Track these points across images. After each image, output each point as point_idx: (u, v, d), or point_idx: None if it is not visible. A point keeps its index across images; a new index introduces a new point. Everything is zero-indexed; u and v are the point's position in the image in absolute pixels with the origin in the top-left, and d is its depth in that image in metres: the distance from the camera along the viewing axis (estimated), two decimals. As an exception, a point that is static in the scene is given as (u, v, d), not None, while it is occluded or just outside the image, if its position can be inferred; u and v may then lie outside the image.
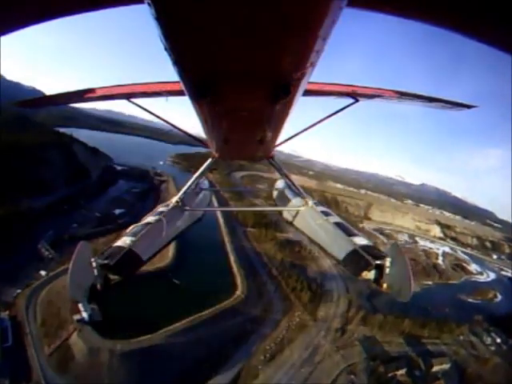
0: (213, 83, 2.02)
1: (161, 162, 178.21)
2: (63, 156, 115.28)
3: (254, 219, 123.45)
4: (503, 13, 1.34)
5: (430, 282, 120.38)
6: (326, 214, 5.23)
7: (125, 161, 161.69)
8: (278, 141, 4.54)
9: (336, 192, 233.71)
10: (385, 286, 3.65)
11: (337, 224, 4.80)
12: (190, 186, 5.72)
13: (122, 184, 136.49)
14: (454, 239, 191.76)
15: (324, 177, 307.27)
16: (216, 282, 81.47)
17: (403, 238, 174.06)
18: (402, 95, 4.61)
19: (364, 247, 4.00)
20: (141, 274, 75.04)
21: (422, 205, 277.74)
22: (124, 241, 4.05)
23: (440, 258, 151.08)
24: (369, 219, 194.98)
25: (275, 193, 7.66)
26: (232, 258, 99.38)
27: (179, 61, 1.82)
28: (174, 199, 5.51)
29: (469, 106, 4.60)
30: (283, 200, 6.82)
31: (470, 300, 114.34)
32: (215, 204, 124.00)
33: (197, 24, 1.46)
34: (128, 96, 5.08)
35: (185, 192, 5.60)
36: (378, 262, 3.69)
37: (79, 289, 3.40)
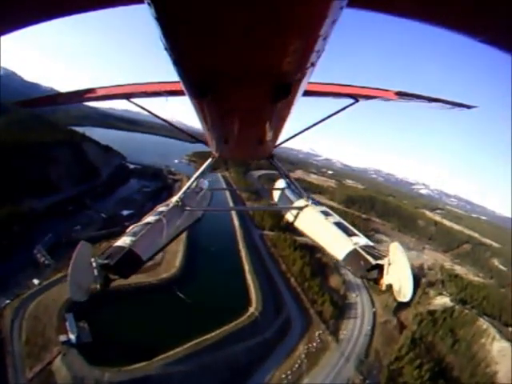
0: (213, 83, 2.03)
1: (176, 161, 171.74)
2: (72, 154, 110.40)
3: (271, 221, 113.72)
4: (503, 13, 1.34)
5: None
6: (325, 213, 5.21)
7: (139, 159, 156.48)
8: (278, 141, 4.69)
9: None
10: (385, 285, 3.62)
11: (337, 224, 4.80)
12: (189, 185, 5.79)
13: (133, 183, 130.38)
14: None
15: (343, 176, 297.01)
16: (227, 296, 71.13)
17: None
18: (402, 95, 4.41)
19: (364, 247, 4.02)
20: (141, 287, 66.89)
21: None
22: (124, 241, 4.00)
23: None
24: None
25: (275, 192, 7.60)
26: (246, 267, 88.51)
27: (179, 61, 1.84)
28: (174, 199, 5.50)
29: (469, 106, 4.41)
30: (283, 200, 6.86)
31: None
32: (230, 204, 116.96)
33: (197, 24, 1.46)
34: (128, 96, 5.05)
35: (185, 192, 5.62)
36: (378, 261, 3.68)
37: (79, 289, 3.34)
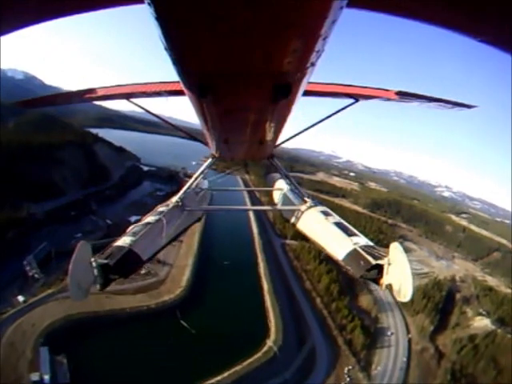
0: (213, 83, 2.04)
1: (193, 162, 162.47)
2: (82, 156, 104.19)
3: (294, 229, 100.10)
4: (503, 13, 1.35)
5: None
6: (325, 213, 5.20)
7: (154, 161, 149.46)
8: (279, 141, 4.76)
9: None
10: (385, 285, 3.63)
11: (337, 224, 4.80)
12: (189, 185, 5.79)
13: (146, 186, 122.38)
14: None
15: (365, 178, 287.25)
16: (241, 324, 58.71)
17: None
18: (402, 95, 4.41)
19: (364, 247, 4.03)
20: (138, 312, 56.08)
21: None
22: (124, 241, 3.96)
23: None
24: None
25: (275, 193, 7.64)
26: (265, 286, 75.47)
27: (179, 61, 1.84)
28: (174, 199, 5.48)
29: (469, 106, 4.43)
30: (283, 200, 6.82)
31: None
32: (248, 204, 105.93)
33: (197, 24, 1.46)
34: (128, 96, 5.01)
35: (185, 192, 5.62)
36: (378, 261, 3.67)
37: (79, 289, 3.30)
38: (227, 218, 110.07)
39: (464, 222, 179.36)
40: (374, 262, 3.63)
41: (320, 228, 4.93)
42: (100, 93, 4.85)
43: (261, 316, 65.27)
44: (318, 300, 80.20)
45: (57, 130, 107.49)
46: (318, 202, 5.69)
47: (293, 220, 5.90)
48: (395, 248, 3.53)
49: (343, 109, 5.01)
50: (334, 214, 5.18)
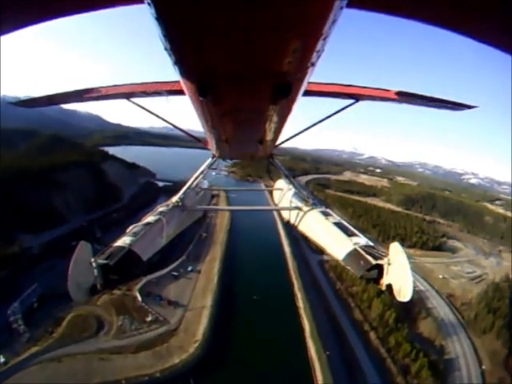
0: (213, 83, 2.03)
1: (213, 173, 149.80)
2: (88, 176, 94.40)
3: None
4: (503, 13, 1.35)
5: None
6: (325, 214, 5.27)
7: (171, 175, 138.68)
8: (279, 141, 4.74)
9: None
10: (384, 285, 3.59)
11: (337, 224, 4.82)
12: (190, 185, 5.87)
13: (160, 203, 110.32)
14: None
15: (391, 173, 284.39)
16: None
17: None
18: (402, 95, 4.40)
19: (364, 247, 4.02)
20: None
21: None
22: (124, 241, 3.94)
23: None
24: None
25: (275, 193, 7.67)
26: (307, 327, 57.82)
27: (179, 61, 1.84)
28: (174, 199, 5.59)
29: (469, 107, 4.35)
30: (283, 200, 6.85)
31: None
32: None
33: (197, 24, 1.46)
34: (128, 96, 4.98)
35: (185, 192, 5.69)
36: (378, 261, 3.66)
37: (79, 289, 3.31)
38: (253, 235, 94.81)
39: (500, 210, 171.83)
40: (374, 261, 3.59)
41: (320, 228, 4.98)
42: (99, 92, 4.81)
43: (305, 373, 47.70)
44: (372, 335, 63.23)
45: (64, 150, 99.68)
46: (318, 202, 5.72)
47: (293, 220, 5.89)
48: (395, 248, 3.49)
49: (343, 109, 4.97)
50: (333, 214, 5.26)
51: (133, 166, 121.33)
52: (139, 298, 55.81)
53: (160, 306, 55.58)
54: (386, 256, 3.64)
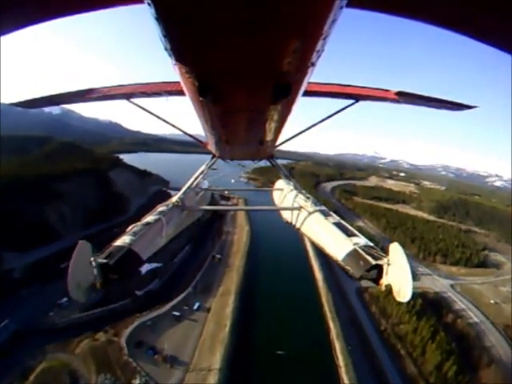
0: (213, 83, 2.04)
1: (232, 180, 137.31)
2: (93, 185, 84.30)
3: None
4: (503, 13, 1.36)
5: None
6: (325, 214, 5.14)
7: (185, 183, 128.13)
8: (279, 141, 4.73)
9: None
10: (384, 286, 3.62)
11: (336, 224, 4.73)
12: (189, 185, 5.74)
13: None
14: None
15: (415, 177, 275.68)
16: None
17: None
18: (402, 95, 4.43)
19: (363, 247, 4.02)
20: None
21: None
22: (123, 240, 3.94)
23: None
24: None
25: (275, 193, 7.66)
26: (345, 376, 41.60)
27: (179, 61, 1.84)
28: (174, 199, 5.43)
29: (469, 107, 4.40)
30: (283, 200, 6.77)
31: None
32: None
33: (197, 24, 1.47)
34: (128, 96, 4.97)
35: (185, 192, 5.57)
36: (378, 262, 3.67)
37: (79, 289, 3.27)
38: (277, 255, 79.67)
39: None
40: (373, 262, 3.65)
41: (319, 228, 4.92)
42: (100, 93, 4.81)
43: None
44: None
45: (73, 158, 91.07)
46: (317, 202, 5.64)
47: (293, 220, 5.84)
48: (395, 248, 3.55)
49: (343, 109, 4.99)
50: (333, 214, 5.16)
51: (144, 174, 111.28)
52: (126, 351, 42.20)
53: (152, 364, 41.66)
54: (385, 256, 3.58)
